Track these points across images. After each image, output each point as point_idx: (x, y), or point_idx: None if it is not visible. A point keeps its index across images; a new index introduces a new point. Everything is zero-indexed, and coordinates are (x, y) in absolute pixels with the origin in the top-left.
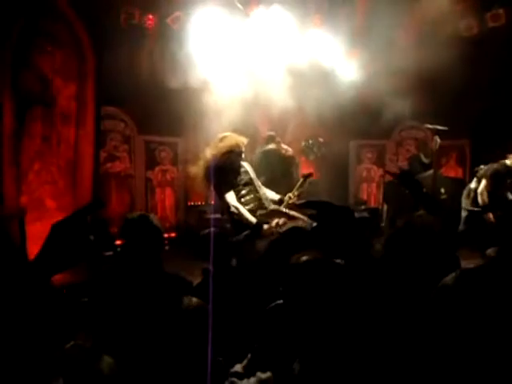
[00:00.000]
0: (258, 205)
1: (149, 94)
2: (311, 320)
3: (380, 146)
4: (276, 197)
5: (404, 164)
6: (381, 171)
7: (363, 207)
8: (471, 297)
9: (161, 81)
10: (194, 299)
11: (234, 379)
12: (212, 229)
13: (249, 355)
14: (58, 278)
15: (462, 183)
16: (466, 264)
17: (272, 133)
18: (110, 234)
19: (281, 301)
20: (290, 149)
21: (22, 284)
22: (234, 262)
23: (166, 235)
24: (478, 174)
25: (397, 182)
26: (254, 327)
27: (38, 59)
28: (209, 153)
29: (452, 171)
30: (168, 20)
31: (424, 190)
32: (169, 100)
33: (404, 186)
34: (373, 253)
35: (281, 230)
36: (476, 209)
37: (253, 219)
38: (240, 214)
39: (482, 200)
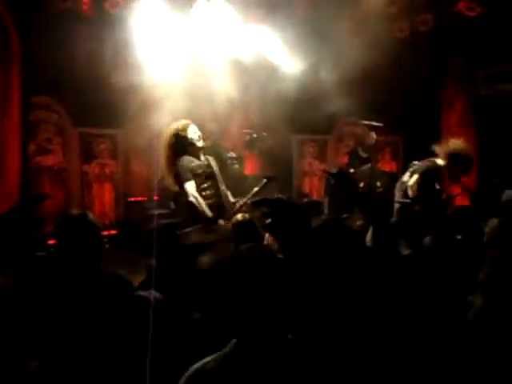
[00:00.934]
0: (217, 201)
1: (85, 83)
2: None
3: (321, 141)
4: (231, 200)
5: (344, 159)
6: (322, 165)
7: (306, 200)
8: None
9: (98, 69)
10: (155, 294)
11: None
12: (158, 223)
13: None
14: None
15: (396, 177)
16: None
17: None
18: (42, 232)
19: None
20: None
21: None
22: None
23: (105, 233)
24: (412, 169)
25: (332, 180)
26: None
27: None
28: (166, 138)
29: (387, 165)
30: (106, 5)
31: (361, 185)
32: (107, 90)
33: (339, 185)
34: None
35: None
36: (407, 201)
37: (209, 213)
38: (198, 205)
39: (412, 193)
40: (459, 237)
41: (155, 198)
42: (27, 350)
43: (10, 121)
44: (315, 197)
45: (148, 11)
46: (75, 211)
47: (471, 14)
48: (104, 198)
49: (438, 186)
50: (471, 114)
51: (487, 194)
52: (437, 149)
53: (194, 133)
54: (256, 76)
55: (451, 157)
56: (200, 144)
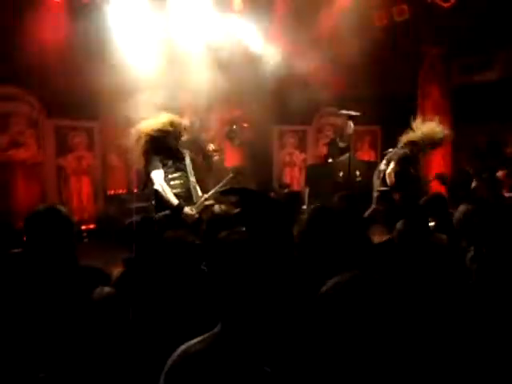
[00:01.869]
0: (186, 192)
1: (59, 73)
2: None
3: (301, 132)
4: (199, 193)
5: (323, 149)
6: (302, 156)
7: (286, 190)
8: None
9: (73, 58)
10: (106, 289)
11: None
12: (136, 217)
13: None
14: None
15: (375, 166)
16: (379, 239)
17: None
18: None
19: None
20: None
21: None
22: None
23: (84, 227)
24: (387, 157)
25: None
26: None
27: None
28: (144, 127)
29: (366, 155)
30: None
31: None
32: (82, 80)
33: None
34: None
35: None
36: (385, 188)
37: (175, 201)
38: (163, 193)
39: (390, 181)
40: (432, 223)
41: (135, 190)
42: (3, 347)
43: None
44: (296, 187)
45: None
46: (43, 206)
47: (445, 4)
48: (82, 191)
49: (413, 172)
50: (446, 103)
51: (462, 182)
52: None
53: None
54: (235, 67)
55: (422, 137)
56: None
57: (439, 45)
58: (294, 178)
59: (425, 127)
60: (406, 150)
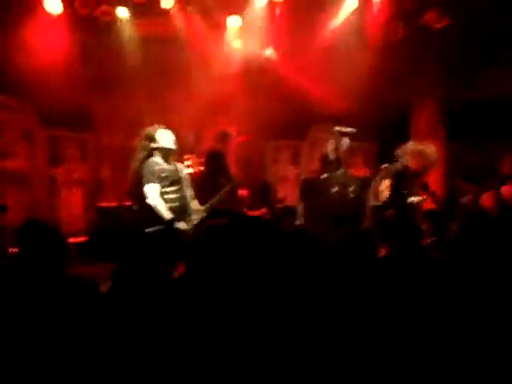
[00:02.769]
0: (181, 206)
1: (54, 84)
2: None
3: (295, 147)
4: (198, 206)
5: (317, 163)
6: (296, 171)
7: (280, 205)
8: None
9: (68, 70)
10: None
11: None
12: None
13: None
14: None
15: (369, 182)
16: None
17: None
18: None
19: None
20: None
21: None
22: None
23: (74, 240)
24: (381, 173)
25: None
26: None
27: None
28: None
29: (360, 171)
30: (75, 4)
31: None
32: (77, 91)
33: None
34: None
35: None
36: (379, 204)
37: (168, 215)
38: (155, 208)
39: (385, 197)
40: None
41: (127, 203)
42: None
43: None
44: (289, 202)
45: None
46: (32, 219)
47: (439, 24)
48: (73, 203)
49: (405, 190)
50: (441, 120)
51: (456, 199)
52: (399, 151)
53: (164, 137)
54: (228, 81)
55: (415, 155)
56: (172, 147)
57: (433, 63)
58: (288, 192)
59: (419, 146)
60: (399, 167)
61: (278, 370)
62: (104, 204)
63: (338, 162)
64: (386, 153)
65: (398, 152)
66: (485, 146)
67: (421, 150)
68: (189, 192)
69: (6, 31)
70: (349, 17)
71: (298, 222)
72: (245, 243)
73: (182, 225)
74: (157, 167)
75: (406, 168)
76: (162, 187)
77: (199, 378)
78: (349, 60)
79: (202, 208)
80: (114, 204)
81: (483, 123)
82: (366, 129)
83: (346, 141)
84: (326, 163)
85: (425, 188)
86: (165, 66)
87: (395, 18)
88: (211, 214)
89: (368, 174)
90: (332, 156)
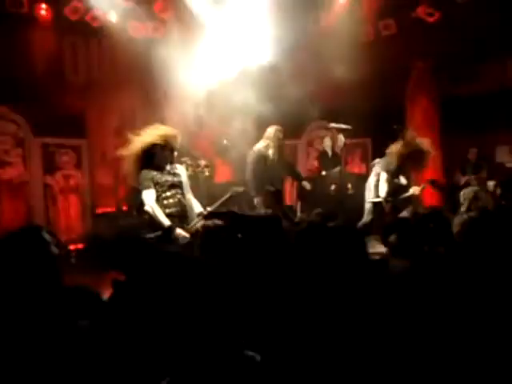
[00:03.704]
0: (180, 211)
1: (46, 91)
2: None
3: (292, 146)
4: (199, 209)
5: (314, 162)
6: None
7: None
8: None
9: (59, 76)
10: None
11: None
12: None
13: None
14: None
15: (366, 178)
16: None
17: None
18: None
19: None
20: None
21: None
22: None
23: (72, 247)
24: (375, 168)
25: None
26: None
27: None
28: (135, 142)
29: (356, 167)
30: (65, 10)
31: (332, 187)
32: (70, 98)
33: None
34: None
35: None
36: (377, 199)
37: (166, 222)
38: (153, 214)
39: (384, 191)
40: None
41: (124, 208)
42: None
43: None
44: (288, 201)
45: (109, 14)
46: (28, 225)
47: (430, 19)
48: (70, 210)
49: (403, 181)
50: (435, 115)
51: (453, 193)
52: (393, 146)
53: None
54: (226, 82)
55: (407, 145)
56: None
57: (426, 58)
58: (286, 191)
59: (410, 141)
60: (392, 160)
61: (278, 370)
62: (101, 210)
63: (335, 159)
64: (381, 148)
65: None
66: (482, 139)
67: (412, 140)
68: (188, 196)
69: None
70: (341, 13)
71: (296, 220)
72: (243, 244)
73: (179, 231)
74: (154, 172)
75: (399, 159)
76: (160, 193)
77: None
78: (342, 56)
79: (203, 211)
80: (111, 210)
81: (480, 116)
82: (360, 125)
83: (341, 138)
84: (324, 161)
85: (432, 182)
86: (157, 69)
87: (387, 13)
88: (211, 216)
89: (364, 171)
90: (330, 153)
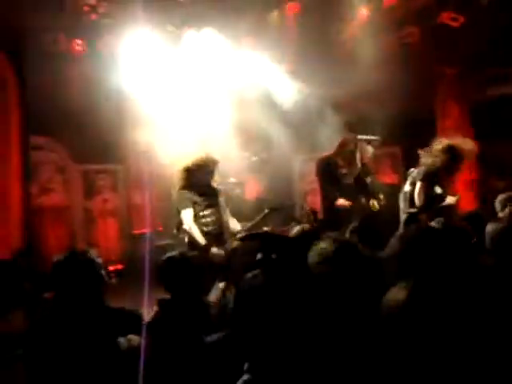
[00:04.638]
0: (218, 229)
1: (82, 121)
2: None
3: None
4: (237, 227)
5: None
6: None
7: (312, 217)
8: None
9: (94, 107)
10: (135, 338)
11: None
12: (172, 253)
13: None
14: None
15: (398, 188)
16: None
17: None
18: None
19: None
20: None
21: None
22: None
23: (111, 268)
24: (411, 177)
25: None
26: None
27: None
28: (178, 164)
29: (388, 178)
30: (98, 44)
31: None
32: (104, 126)
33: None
34: None
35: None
36: (413, 210)
37: (202, 240)
38: (191, 233)
39: (420, 201)
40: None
41: (160, 228)
42: None
43: (11, 164)
44: (319, 216)
45: (138, 46)
46: (68, 251)
47: (455, 24)
48: (108, 232)
49: (439, 191)
50: (467, 120)
51: (491, 199)
52: (427, 150)
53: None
54: (254, 101)
55: (446, 151)
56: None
57: (453, 63)
58: (317, 205)
59: (450, 141)
60: (428, 168)
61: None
62: (137, 231)
63: (365, 171)
64: (411, 157)
65: (427, 151)
66: None
67: (452, 144)
68: (226, 217)
69: (35, 76)
70: (364, 23)
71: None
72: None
73: (215, 250)
74: (192, 192)
75: (436, 168)
76: (198, 212)
77: None
78: (369, 66)
79: (239, 229)
80: (147, 230)
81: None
82: (390, 133)
83: (369, 149)
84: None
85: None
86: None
87: (410, 21)
88: (245, 237)
89: (396, 181)
90: (359, 165)
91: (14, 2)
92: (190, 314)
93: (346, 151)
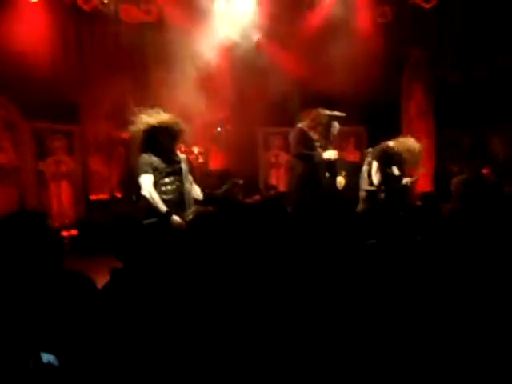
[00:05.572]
0: (178, 198)
1: (36, 77)
2: None
3: (286, 133)
4: (200, 196)
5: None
6: (288, 157)
7: (273, 192)
8: None
9: (52, 62)
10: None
11: None
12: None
13: None
14: None
15: (359, 166)
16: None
17: None
18: None
19: None
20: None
21: None
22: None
23: (65, 233)
24: (368, 157)
25: None
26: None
27: None
28: (140, 123)
29: (351, 155)
30: None
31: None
32: (60, 81)
33: None
34: None
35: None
36: (371, 188)
37: (163, 208)
38: (151, 200)
39: (377, 180)
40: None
41: (118, 195)
42: None
43: None
44: (282, 188)
45: None
46: (22, 209)
47: (427, 5)
48: (62, 197)
49: (396, 171)
50: (430, 103)
51: (445, 181)
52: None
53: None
54: (217, 68)
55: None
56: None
57: (422, 46)
58: (280, 179)
59: (403, 144)
60: (385, 148)
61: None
62: (95, 196)
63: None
64: (376, 136)
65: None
66: (476, 128)
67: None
68: (187, 184)
69: None
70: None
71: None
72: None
73: (176, 218)
74: (154, 158)
75: (391, 149)
76: (158, 179)
77: (196, 377)
78: (337, 44)
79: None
80: (105, 196)
81: (475, 105)
82: (355, 112)
83: (335, 125)
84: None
85: None
86: (150, 53)
87: (383, 0)
88: (206, 203)
89: (358, 159)
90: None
91: None
92: (142, 283)
93: (319, 125)
